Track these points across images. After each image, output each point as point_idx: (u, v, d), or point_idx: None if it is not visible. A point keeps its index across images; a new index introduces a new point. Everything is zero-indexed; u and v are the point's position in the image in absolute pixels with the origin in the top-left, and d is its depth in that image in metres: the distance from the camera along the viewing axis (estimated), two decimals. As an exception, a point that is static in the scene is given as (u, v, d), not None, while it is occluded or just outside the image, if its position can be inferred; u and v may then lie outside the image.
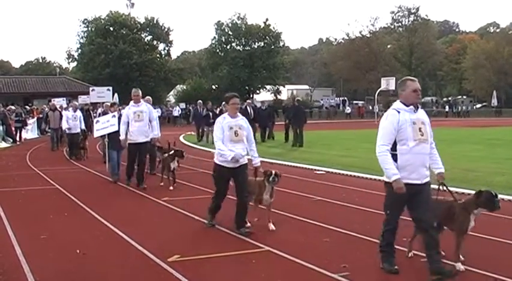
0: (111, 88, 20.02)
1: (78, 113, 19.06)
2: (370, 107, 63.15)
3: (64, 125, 18.74)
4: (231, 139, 7.37)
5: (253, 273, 5.77)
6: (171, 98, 72.17)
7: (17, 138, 27.07)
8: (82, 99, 30.05)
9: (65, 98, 29.13)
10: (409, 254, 6.17)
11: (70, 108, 19.70)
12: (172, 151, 11.81)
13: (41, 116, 31.77)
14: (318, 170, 14.38)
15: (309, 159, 16.92)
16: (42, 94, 45.27)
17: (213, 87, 66.56)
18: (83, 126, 18.82)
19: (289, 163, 16.04)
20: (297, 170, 14.72)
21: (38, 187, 12.14)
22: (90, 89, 18.77)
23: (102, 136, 13.93)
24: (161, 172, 12.24)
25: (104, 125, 13.18)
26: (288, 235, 7.41)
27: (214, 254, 6.40)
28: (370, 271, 5.74)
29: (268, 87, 69.20)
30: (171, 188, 11.30)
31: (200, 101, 27.55)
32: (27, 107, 36.51)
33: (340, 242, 7.00)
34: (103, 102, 21.82)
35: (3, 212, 9.07)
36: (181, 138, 27.89)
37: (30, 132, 30.82)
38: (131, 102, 11.79)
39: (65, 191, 11.29)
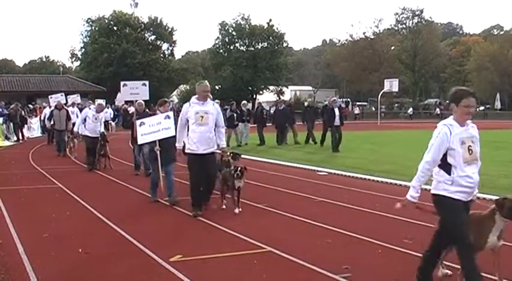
0: (147, 83, 15.29)
1: (102, 114, 15.77)
2: (373, 109, 62.99)
3: (80, 129, 15.79)
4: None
5: (254, 273, 5.76)
6: (174, 98, 72.17)
7: (20, 137, 27.12)
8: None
9: (63, 94, 25.85)
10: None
11: (92, 107, 16.69)
12: (234, 166, 9.34)
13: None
14: (320, 171, 14.36)
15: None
16: (46, 93, 45.18)
17: (216, 87, 66.54)
18: (103, 129, 15.73)
19: (290, 164, 16.02)
20: (298, 170, 14.71)
21: (41, 186, 12.15)
22: (122, 83, 15.35)
23: (141, 144, 11.55)
24: (221, 190, 9.56)
25: (152, 129, 10.08)
26: (290, 235, 7.41)
27: (216, 254, 6.40)
28: (372, 272, 5.74)
29: (271, 87, 69.18)
30: (236, 211, 8.87)
31: (218, 101, 25.01)
32: (30, 105, 36.53)
33: (342, 244, 7.00)
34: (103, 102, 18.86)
35: (6, 210, 9.09)
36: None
37: (33, 130, 30.88)
38: (193, 99, 8.89)
39: (67, 190, 11.30)
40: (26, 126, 29.03)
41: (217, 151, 9.37)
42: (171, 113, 10.27)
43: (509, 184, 11.53)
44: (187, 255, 6.31)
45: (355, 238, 7.15)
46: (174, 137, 9.12)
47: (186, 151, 8.75)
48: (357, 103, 72.57)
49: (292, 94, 72.14)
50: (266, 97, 65.56)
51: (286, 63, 67.59)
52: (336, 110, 19.76)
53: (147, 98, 14.70)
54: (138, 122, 10.47)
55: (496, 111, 65.08)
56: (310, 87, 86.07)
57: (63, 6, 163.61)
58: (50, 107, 23.86)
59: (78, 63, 70.55)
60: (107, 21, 63.27)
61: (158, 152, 9.75)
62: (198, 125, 8.55)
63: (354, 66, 73.84)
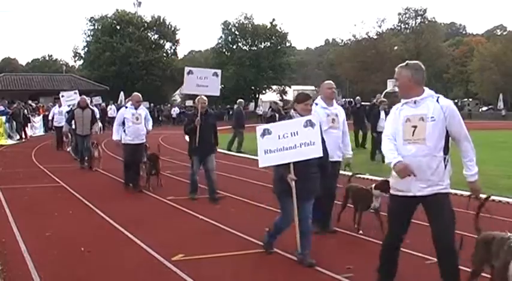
0: (219, 72, 11.21)
1: (143, 111, 11.53)
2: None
3: (115, 134, 11.44)
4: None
5: (256, 273, 5.76)
6: (176, 97, 72.21)
7: (23, 136, 27.16)
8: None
9: (77, 91, 21.25)
10: None
11: (128, 104, 11.94)
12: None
13: (46, 113, 31.90)
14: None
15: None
16: (49, 92, 45.34)
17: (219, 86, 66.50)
18: (150, 126, 11.87)
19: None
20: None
21: (43, 185, 12.16)
22: (186, 69, 10.78)
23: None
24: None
25: (283, 143, 6.05)
26: (292, 235, 7.39)
27: (218, 253, 6.40)
28: (375, 273, 5.73)
29: (274, 87, 69.17)
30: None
31: (241, 100, 22.60)
32: (33, 104, 36.63)
33: (345, 244, 7.00)
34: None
35: (9, 209, 9.11)
36: (187, 138, 27.95)
37: (36, 129, 30.94)
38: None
39: (70, 189, 11.31)
40: (28, 125, 29.07)
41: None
42: (315, 118, 6.20)
43: (511, 185, 11.51)
44: (189, 254, 6.31)
45: (358, 238, 7.15)
46: (321, 159, 6.02)
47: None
48: (350, 103, 72.51)
49: (295, 94, 72.04)
50: (269, 97, 65.54)
51: (289, 63, 67.60)
52: (382, 113, 16.09)
53: (218, 93, 11.11)
54: (260, 129, 6.25)
55: (499, 111, 64.97)
56: (313, 87, 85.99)
57: (66, 5, 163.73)
58: (60, 106, 21.39)
59: (81, 62, 70.53)
60: (110, 20, 63.30)
61: (293, 183, 5.92)
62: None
63: (356, 66, 73.74)
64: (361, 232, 7.44)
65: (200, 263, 6.06)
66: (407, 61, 4.90)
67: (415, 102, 4.66)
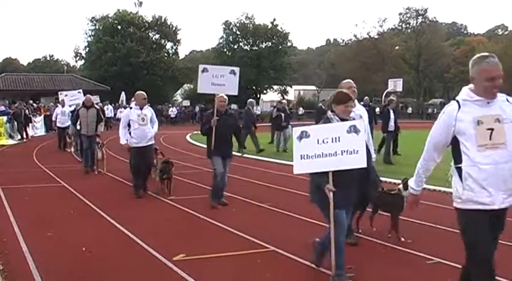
0: (237, 70, 10.27)
1: (149, 112, 10.75)
2: (378, 109, 62.85)
3: (122, 138, 10.63)
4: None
5: (258, 273, 5.76)
6: (178, 97, 72.21)
7: (24, 136, 27.19)
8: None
9: (80, 91, 21.15)
10: None
11: (132, 104, 11.55)
12: None
13: (48, 113, 31.93)
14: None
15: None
16: (50, 92, 45.37)
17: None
18: (156, 128, 11.02)
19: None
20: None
21: (45, 185, 12.17)
22: (201, 67, 10.13)
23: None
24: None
25: (322, 149, 5.42)
26: (293, 235, 7.40)
27: (219, 253, 6.40)
28: (376, 273, 5.73)
29: (275, 87, 69.19)
30: None
31: (252, 100, 22.04)
32: (34, 104, 36.69)
33: (346, 244, 6.98)
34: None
35: (10, 209, 9.11)
36: (188, 138, 27.99)
37: (37, 129, 30.96)
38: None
39: (71, 189, 11.32)
40: (30, 125, 29.10)
41: None
42: (360, 123, 5.44)
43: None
44: (190, 254, 6.32)
45: (359, 238, 7.14)
46: (364, 170, 5.49)
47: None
48: (361, 103, 72.44)
49: (296, 94, 72.08)
50: (270, 97, 65.56)
51: (290, 63, 67.63)
52: (391, 113, 16.60)
53: (236, 92, 10.08)
54: (297, 131, 5.56)
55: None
56: (314, 87, 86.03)
57: (68, 5, 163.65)
58: (63, 106, 21.07)
59: (82, 62, 70.54)
60: (111, 20, 63.29)
61: (331, 194, 5.30)
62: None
63: (358, 66, 73.67)
64: (403, 238, 7.01)
65: (201, 263, 6.06)
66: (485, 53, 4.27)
67: (488, 101, 4.02)
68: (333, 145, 5.34)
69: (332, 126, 5.43)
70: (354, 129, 5.32)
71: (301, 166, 5.53)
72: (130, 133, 10.43)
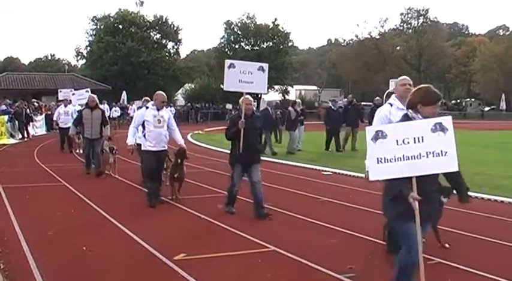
0: (266, 66, 9.48)
1: (166, 114, 9.91)
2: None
3: (130, 138, 9.83)
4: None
5: (258, 273, 5.76)
6: (179, 97, 72.19)
7: (25, 135, 27.18)
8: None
9: (88, 90, 20.58)
10: None
11: (149, 104, 10.27)
12: None
13: (49, 112, 31.93)
14: (325, 171, 14.34)
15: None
16: (51, 91, 45.38)
17: (222, 86, 66.46)
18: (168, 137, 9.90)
19: (296, 163, 16.00)
20: (304, 170, 14.70)
21: (45, 184, 12.16)
22: (227, 62, 9.52)
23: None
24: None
25: (403, 151, 4.55)
26: (294, 235, 7.40)
27: (220, 253, 6.40)
28: (376, 273, 5.73)
29: (276, 87, 69.17)
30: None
31: (271, 100, 20.67)
32: (35, 103, 36.65)
33: (347, 243, 6.99)
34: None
35: (11, 208, 9.10)
36: (188, 137, 27.96)
37: (38, 128, 30.96)
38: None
39: (72, 188, 11.31)
40: (31, 124, 29.10)
41: None
42: (447, 120, 4.54)
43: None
44: (191, 254, 6.31)
45: (359, 238, 7.14)
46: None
47: None
48: (362, 103, 72.48)
49: (297, 94, 72.06)
50: (271, 97, 65.50)
51: (292, 63, 67.61)
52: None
53: (265, 91, 9.74)
54: (372, 131, 4.67)
55: (501, 111, 64.90)
56: (315, 87, 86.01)
57: (69, 4, 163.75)
58: (66, 105, 20.60)
59: (83, 61, 70.44)
60: (112, 19, 63.24)
61: (417, 204, 4.38)
62: None
63: (359, 66, 73.75)
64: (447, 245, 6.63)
65: (202, 263, 6.06)
66: None
67: None
68: (415, 146, 4.50)
69: (413, 124, 4.60)
70: (441, 128, 4.48)
71: (379, 171, 4.60)
72: (144, 135, 9.65)
